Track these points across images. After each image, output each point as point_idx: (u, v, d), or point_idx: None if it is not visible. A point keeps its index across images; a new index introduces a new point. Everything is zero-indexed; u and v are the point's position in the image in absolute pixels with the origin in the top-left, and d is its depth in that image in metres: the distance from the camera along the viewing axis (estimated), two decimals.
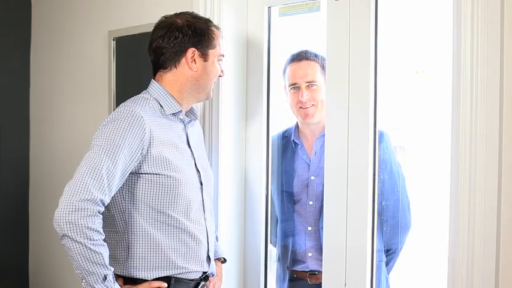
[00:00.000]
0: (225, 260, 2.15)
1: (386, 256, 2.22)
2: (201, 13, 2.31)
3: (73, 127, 3.00)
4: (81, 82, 2.96)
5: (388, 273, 2.24)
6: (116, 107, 2.69)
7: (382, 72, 2.02)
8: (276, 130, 2.46)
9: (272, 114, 2.37)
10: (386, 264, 2.22)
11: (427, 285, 2.40)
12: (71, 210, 1.65)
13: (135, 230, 1.83)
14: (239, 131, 2.38)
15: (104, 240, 1.72)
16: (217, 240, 2.14)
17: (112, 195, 1.75)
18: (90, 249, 1.66)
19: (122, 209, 1.84)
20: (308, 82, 2.28)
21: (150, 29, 2.53)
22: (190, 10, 2.34)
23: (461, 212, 1.72)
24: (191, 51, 1.90)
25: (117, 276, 1.83)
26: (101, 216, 1.71)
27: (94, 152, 1.73)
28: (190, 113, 2.01)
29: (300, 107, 2.29)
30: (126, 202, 1.83)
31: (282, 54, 2.39)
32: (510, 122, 1.65)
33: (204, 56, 1.92)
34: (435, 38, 2.14)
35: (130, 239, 1.83)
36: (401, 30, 2.24)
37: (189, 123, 1.97)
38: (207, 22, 1.96)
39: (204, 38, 1.91)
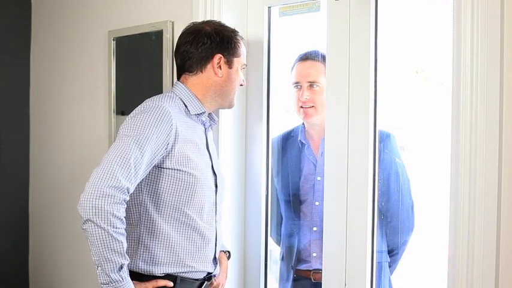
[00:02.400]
0: (229, 255, 2.16)
1: (390, 257, 2.22)
2: (201, 13, 2.32)
3: (73, 127, 3.00)
4: (81, 82, 2.96)
5: (391, 274, 2.24)
6: (116, 107, 2.71)
7: (382, 72, 2.02)
8: (281, 130, 2.47)
9: (272, 114, 2.37)
10: (390, 265, 2.22)
11: (431, 286, 2.40)
12: (98, 196, 1.65)
13: (149, 223, 1.84)
14: (239, 131, 2.39)
15: (125, 228, 1.72)
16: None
17: (136, 185, 1.76)
18: (112, 236, 1.66)
19: (138, 202, 1.85)
20: (310, 82, 2.28)
21: (150, 29, 2.54)
22: (190, 10, 2.35)
23: (461, 212, 1.72)
24: (218, 57, 1.94)
25: None
26: (125, 205, 1.71)
27: (123, 141, 1.74)
28: (210, 118, 2.04)
29: (301, 106, 2.31)
30: (144, 195, 1.85)
31: (282, 54, 2.39)
32: (510, 122, 1.65)
33: (229, 63, 1.96)
34: (435, 38, 2.14)
35: (141, 232, 1.85)
36: (401, 30, 2.24)
37: (209, 127, 2.01)
38: (234, 31, 2.01)
39: (231, 46, 1.96)
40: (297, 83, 2.33)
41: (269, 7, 2.33)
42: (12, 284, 3.20)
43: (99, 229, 1.65)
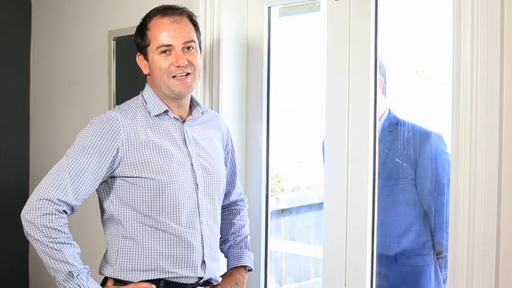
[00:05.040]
0: (251, 269, 2.07)
1: (438, 259, 2.15)
2: (201, 13, 2.31)
3: (73, 127, 2.99)
4: (81, 82, 2.96)
5: (445, 280, 2.12)
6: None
7: (382, 72, 2.02)
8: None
9: (272, 114, 2.37)
10: (441, 269, 2.14)
11: None
12: (29, 210, 1.71)
13: (123, 233, 1.82)
14: (239, 131, 2.38)
15: (68, 237, 1.72)
16: (246, 248, 2.08)
17: (82, 196, 1.75)
18: (48, 246, 1.69)
19: (111, 214, 1.83)
20: None
21: None
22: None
23: (461, 212, 1.72)
24: (138, 57, 1.91)
25: (109, 278, 1.84)
26: (62, 215, 1.73)
27: (63, 157, 1.79)
28: (195, 108, 1.94)
29: None
30: (114, 206, 1.82)
31: (282, 54, 2.39)
32: (510, 122, 1.65)
33: (146, 56, 1.88)
34: (435, 38, 2.14)
35: (119, 242, 1.83)
36: (401, 30, 2.24)
37: (191, 120, 1.91)
38: (149, 15, 1.89)
39: (141, 40, 1.89)
40: None
41: (269, 7, 2.33)
42: (12, 284, 3.20)
43: (36, 242, 1.70)
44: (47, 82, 3.15)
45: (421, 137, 2.03)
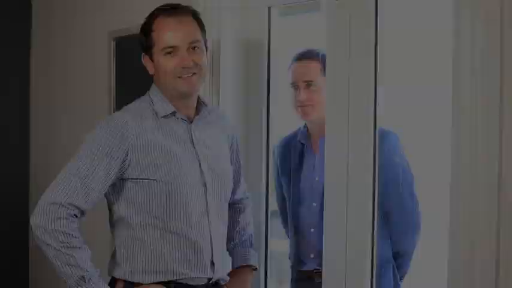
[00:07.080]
0: (256, 268, 2.08)
1: (396, 259, 2.20)
2: (201, 13, 2.30)
3: (73, 127, 3.01)
4: (81, 82, 2.96)
5: (401, 277, 2.21)
6: (116, 107, 2.71)
7: (382, 72, 2.02)
8: (287, 131, 2.46)
9: (272, 114, 2.37)
10: (399, 268, 2.20)
11: (431, 286, 2.39)
12: (39, 214, 1.70)
13: (133, 235, 1.82)
14: (239, 130, 2.38)
15: (79, 241, 1.72)
16: (251, 246, 2.08)
17: (92, 199, 1.75)
18: (59, 251, 1.69)
19: (120, 216, 1.83)
20: (306, 82, 2.27)
21: None
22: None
23: (462, 212, 1.72)
24: (143, 58, 1.90)
25: (119, 279, 1.84)
26: (73, 219, 1.72)
27: (72, 159, 1.77)
28: (202, 108, 1.92)
29: (298, 106, 2.31)
30: (123, 208, 1.82)
31: (282, 54, 2.39)
32: (510, 122, 1.65)
33: (151, 57, 1.87)
34: (435, 37, 2.14)
35: (129, 245, 1.82)
36: (401, 30, 2.24)
37: (198, 120, 1.90)
38: (153, 15, 1.87)
39: (145, 40, 1.87)
40: (293, 83, 2.32)
41: (269, 7, 2.33)
42: (12, 284, 3.20)
43: (47, 246, 1.70)
44: (47, 82, 3.15)
45: (379, 136, 2.04)
